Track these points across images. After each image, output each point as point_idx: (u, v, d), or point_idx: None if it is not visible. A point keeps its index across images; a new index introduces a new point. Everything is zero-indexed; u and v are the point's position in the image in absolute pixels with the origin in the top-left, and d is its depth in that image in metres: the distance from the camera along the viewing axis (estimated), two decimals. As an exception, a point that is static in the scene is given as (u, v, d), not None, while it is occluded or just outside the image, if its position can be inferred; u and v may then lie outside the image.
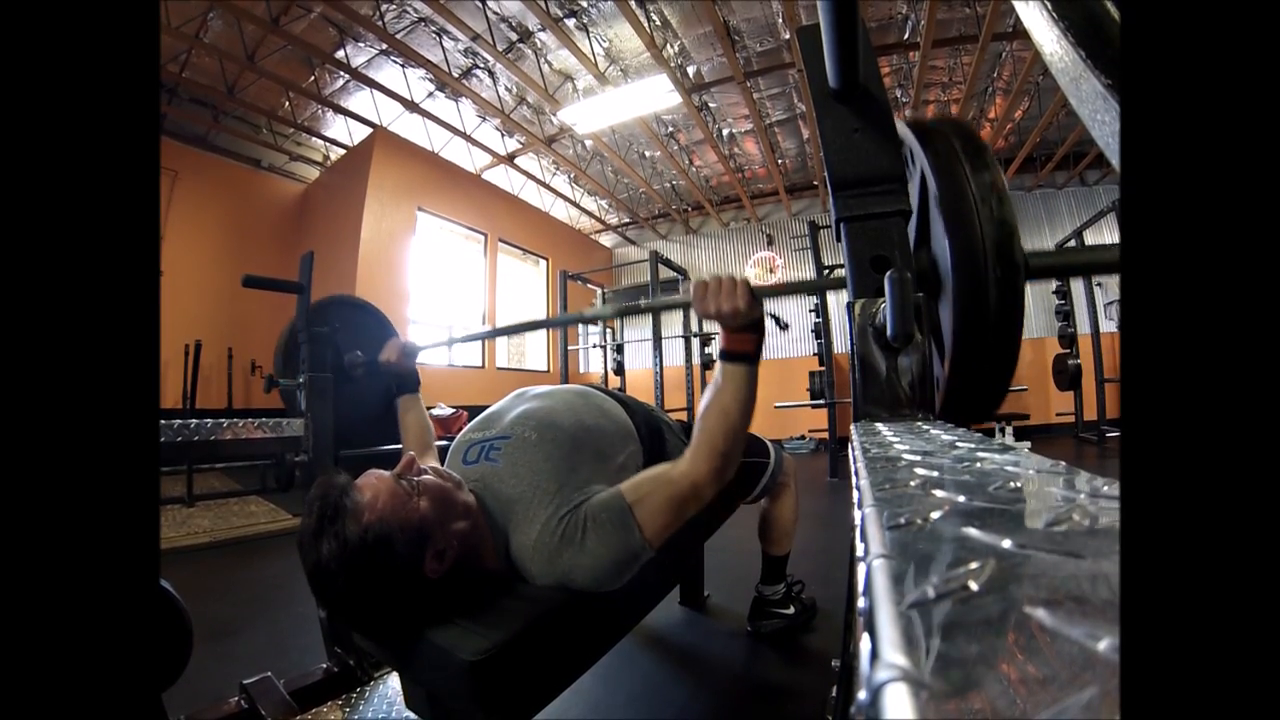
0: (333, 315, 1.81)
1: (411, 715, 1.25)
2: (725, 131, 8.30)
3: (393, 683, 1.43)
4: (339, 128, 7.89)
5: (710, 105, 7.67)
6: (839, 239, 1.03)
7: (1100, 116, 0.23)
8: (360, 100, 7.38)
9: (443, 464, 1.25)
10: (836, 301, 6.45)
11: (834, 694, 1.06)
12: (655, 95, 6.84)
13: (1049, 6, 0.27)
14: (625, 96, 6.84)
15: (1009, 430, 6.70)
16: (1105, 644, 0.14)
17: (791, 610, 1.86)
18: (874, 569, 0.21)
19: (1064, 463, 0.40)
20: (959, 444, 0.53)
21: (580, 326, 10.11)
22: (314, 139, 8.08)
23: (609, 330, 6.48)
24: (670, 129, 8.26)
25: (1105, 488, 0.32)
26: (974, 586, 0.19)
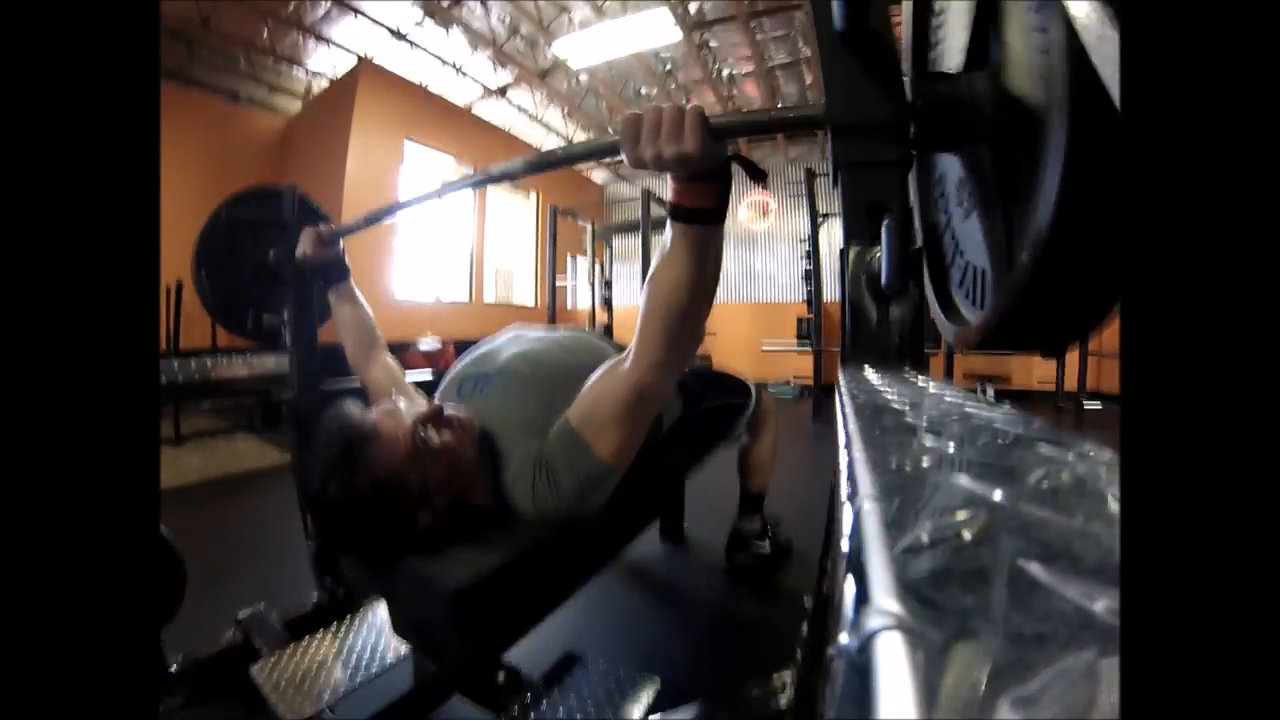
0: (242, 213, 1.66)
1: (399, 641, 1.28)
2: (725, 72, 8.05)
3: (381, 610, 1.46)
4: (321, 58, 7.56)
5: (711, 44, 7.41)
6: (835, 185, 1.01)
7: (1099, 43, 0.22)
8: (344, 28, 7.04)
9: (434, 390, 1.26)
10: (829, 248, 6.40)
11: (804, 630, 1.10)
12: (654, 31, 6.59)
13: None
14: (623, 30, 6.57)
15: (990, 391, 6.79)
16: (1101, 605, 0.14)
17: (767, 546, 1.91)
18: (864, 511, 0.20)
19: (1049, 423, 0.40)
20: (948, 397, 0.53)
21: (569, 260, 9.99)
22: (295, 70, 7.74)
23: (598, 265, 6.39)
24: (668, 67, 8.00)
25: (1092, 451, 0.32)
26: (966, 535, 0.18)
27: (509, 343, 1.26)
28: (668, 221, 0.84)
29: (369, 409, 0.99)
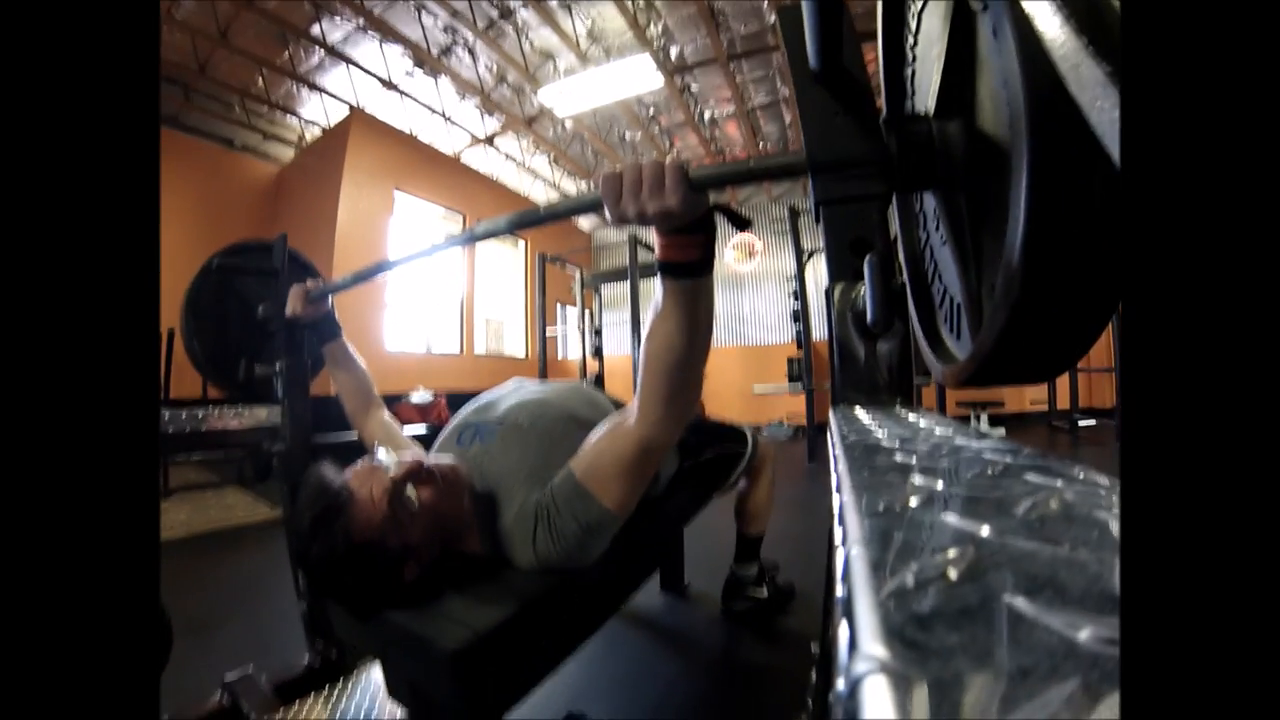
0: (234, 262, 1.66)
1: (394, 705, 1.25)
2: (707, 114, 8.25)
3: (375, 673, 1.42)
4: (314, 106, 7.71)
5: (692, 88, 7.60)
6: (818, 222, 1.03)
7: (1099, 104, 0.23)
8: (336, 78, 7.21)
9: (432, 441, 1.26)
10: (816, 287, 6.48)
11: (813, 677, 1.08)
12: (637, 76, 6.76)
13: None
14: (607, 77, 6.75)
15: (984, 417, 6.82)
16: (1086, 633, 0.14)
17: (765, 591, 1.88)
18: (852, 557, 0.21)
19: (1039, 449, 0.40)
20: (937, 431, 0.53)
21: (558, 309, 10.08)
22: (289, 118, 7.89)
23: (587, 313, 6.44)
24: (652, 111, 8.19)
25: (1080, 474, 0.32)
26: (953, 575, 0.18)
27: (510, 393, 1.29)
28: (657, 274, 0.84)
29: (347, 469, 0.98)
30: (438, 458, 1.03)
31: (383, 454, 0.99)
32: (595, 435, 1.00)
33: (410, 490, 0.94)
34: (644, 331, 0.89)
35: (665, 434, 0.92)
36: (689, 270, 0.80)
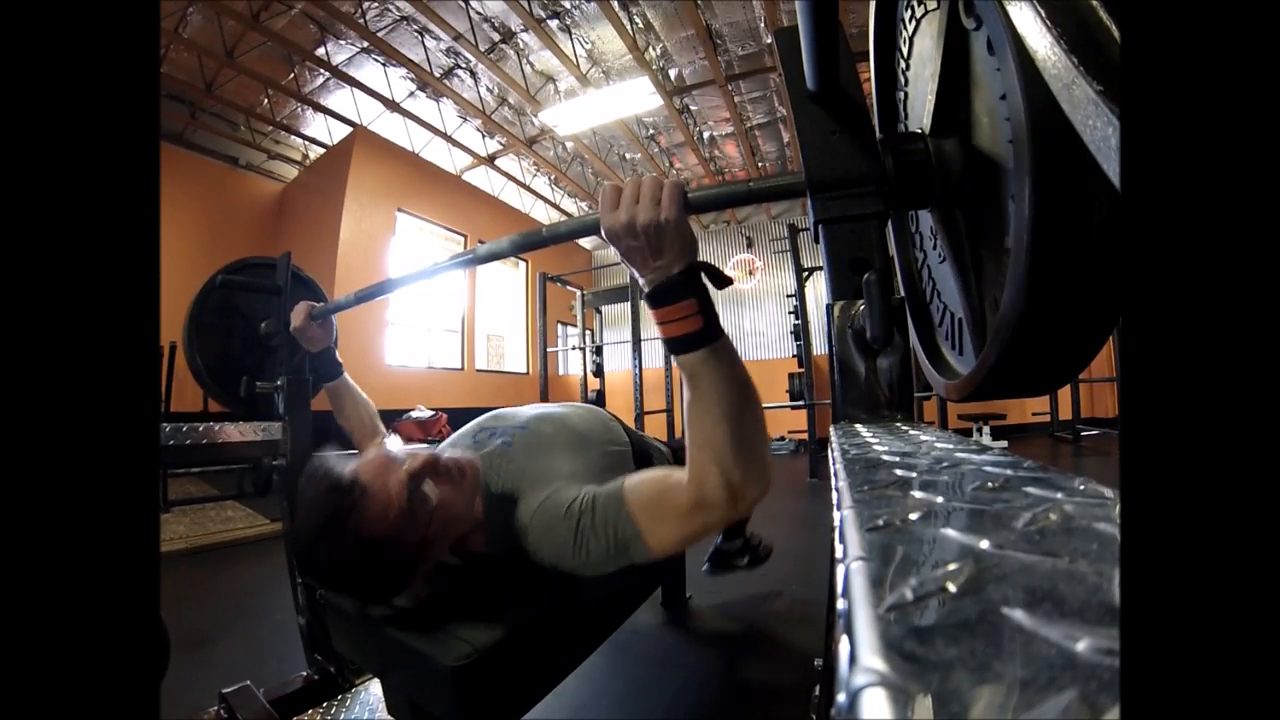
0: (238, 279, 1.68)
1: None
2: (706, 134, 8.32)
3: (374, 689, 1.41)
4: (318, 126, 7.80)
5: (691, 108, 7.68)
6: (817, 241, 1.03)
7: (1091, 122, 0.24)
8: (340, 99, 7.30)
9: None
10: (816, 303, 6.49)
11: (817, 693, 1.07)
12: (636, 97, 6.85)
13: (1042, 13, 0.27)
14: (607, 98, 6.84)
15: (986, 430, 6.80)
16: (1084, 645, 0.14)
17: (745, 560, 1.97)
18: (852, 571, 0.21)
19: (1040, 462, 0.40)
20: (938, 445, 0.53)
21: (559, 329, 10.13)
22: (293, 137, 7.97)
23: (588, 332, 6.46)
24: (651, 131, 8.26)
25: (1081, 486, 0.32)
26: (952, 588, 0.19)
27: (531, 408, 1.29)
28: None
29: (354, 459, 0.95)
30: (451, 452, 1.01)
31: (396, 442, 0.96)
32: (652, 485, 0.90)
33: (428, 485, 0.92)
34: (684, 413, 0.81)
35: (726, 495, 0.79)
36: (695, 341, 0.76)
